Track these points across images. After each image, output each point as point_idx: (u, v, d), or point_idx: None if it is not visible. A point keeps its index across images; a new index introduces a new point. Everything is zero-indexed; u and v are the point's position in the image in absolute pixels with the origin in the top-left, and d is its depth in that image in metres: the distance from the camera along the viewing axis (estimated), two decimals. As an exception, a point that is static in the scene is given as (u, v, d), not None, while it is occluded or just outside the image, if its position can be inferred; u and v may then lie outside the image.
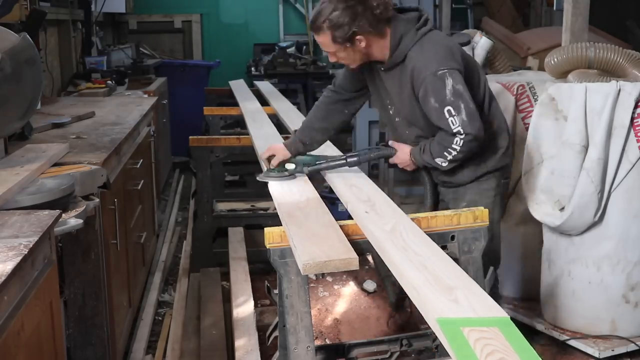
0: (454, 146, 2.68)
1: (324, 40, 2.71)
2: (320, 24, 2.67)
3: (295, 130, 3.14)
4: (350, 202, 2.49)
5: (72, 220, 2.13)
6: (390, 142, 2.94)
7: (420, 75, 2.65)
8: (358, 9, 2.62)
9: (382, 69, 2.82)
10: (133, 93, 5.30)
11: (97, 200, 2.49)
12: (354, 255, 2.03)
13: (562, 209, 3.35)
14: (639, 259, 3.35)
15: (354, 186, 2.67)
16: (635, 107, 3.20)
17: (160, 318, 3.88)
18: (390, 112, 2.94)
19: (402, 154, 2.89)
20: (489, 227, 2.51)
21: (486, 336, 1.48)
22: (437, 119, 2.67)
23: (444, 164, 2.76)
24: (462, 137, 2.65)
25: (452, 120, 2.62)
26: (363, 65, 2.86)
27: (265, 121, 4.39)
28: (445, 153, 2.71)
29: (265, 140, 3.65)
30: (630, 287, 3.38)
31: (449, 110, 2.62)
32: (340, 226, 2.27)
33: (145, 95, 5.22)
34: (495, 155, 2.95)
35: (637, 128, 3.23)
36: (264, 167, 3.03)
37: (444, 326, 1.54)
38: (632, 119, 3.20)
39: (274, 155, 2.95)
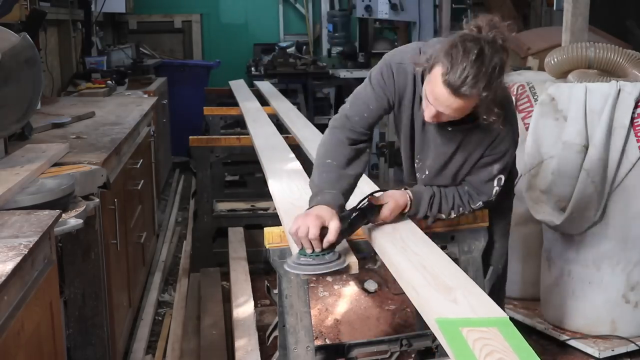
0: (473, 206, 2.37)
1: (466, 105, 2.07)
2: (477, 92, 2.01)
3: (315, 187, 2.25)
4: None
5: (72, 220, 2.13)
6: (376, 194, 2.27)
7: (503, 144, 2.30)
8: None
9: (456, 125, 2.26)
10: (133, 93, 5.29)
11: (97, 200, 2.49)
12: (353, 259, 2.02)
13: (562, 209, 3.35)
14: (639, 258, 3.35)
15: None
16: (635, 107, 3.20)
17: (160, 318, 3.88)
18: (416, 164, 2.46)
19: (395, 205, 2.27)
20: (502, 247, 2.48)
21: (485, 336, 1.48)
22: (481, 181, 2.35)
23: (444, 216, 2.39)
24: (486, 201, 2.38)
25: (496, 190, 2.36)
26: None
27: (265, 121, 4.39)
28: (460, 209, 2.37)
29: (265, 139, 3.66)
30: (631, 287, 3.38)
31: (499, 179, 2.35)
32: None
33: (145, 95, 5.22)
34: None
35: (637, 128, 3.23)
36: (294, 249, 2.12)
37: (443, 326, 1.54)
38: (632, 119, 3.21)
39: (323, 229, 2.04)
